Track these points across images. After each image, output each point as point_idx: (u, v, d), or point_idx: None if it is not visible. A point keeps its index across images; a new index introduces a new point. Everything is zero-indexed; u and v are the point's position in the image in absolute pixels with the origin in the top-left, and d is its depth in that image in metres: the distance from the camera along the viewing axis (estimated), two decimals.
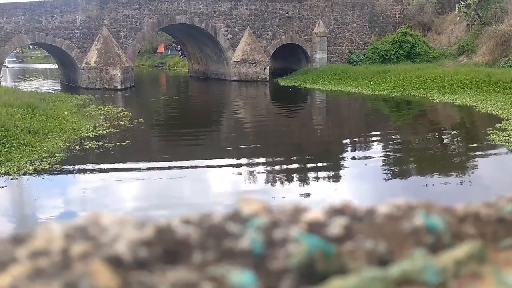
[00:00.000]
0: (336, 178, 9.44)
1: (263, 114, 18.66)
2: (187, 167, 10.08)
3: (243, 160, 10.81)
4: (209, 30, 27.97)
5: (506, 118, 14.20)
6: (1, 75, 23.99)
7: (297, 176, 9.44)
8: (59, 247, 0.50)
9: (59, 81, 31.63)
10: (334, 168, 10.14)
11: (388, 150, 11.92)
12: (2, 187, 8.43)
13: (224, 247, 0.52)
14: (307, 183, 8.92)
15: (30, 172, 9.14)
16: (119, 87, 24.68)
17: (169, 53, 52.26)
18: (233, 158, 10.97)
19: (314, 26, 30.00)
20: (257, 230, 0.55)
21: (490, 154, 10.90)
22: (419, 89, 21.53)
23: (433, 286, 0.48)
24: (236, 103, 22.65)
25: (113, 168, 9.87)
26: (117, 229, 0.53)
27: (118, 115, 16.14)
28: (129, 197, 8.23)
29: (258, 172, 9.76)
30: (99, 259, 0.48)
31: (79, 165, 9.95)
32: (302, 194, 8.24)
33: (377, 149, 11.96)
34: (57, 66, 33.89)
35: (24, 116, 12.91)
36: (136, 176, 9.30)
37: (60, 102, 17.83)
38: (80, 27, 25.12)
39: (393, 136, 13.60)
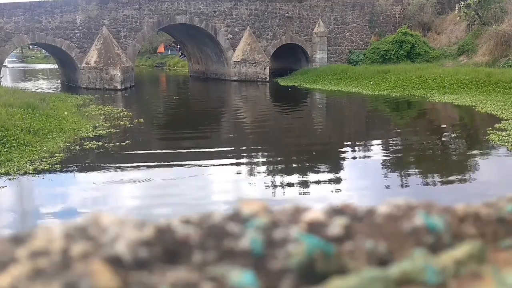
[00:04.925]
0: (336, 177, 9.44)
1: (263, 114, 18.66)
2: (187, 167, 10.08)
3: (243, 160, 10.81)
4: (209, 30, 27.98)
5: (505, 118, 14.20)
6: (1, 75, 23.99)
7: (297, 176, 9.44)
8: (59, 247, 0.50)
9: (59, 81, 31.63)
10: (334, 168, 10.14)
11: (388, 150, 11.93)
12: (2, 187, 8.43)
13: (224, 247, 0.52)
14: (307, 183, 8.92)
15: (30, 172, 9.14)
16: (119, 87, 24.68)
17: (169, 53, 52.30)
18: (233, 158, 10.97)
19: (314, 26, 30.00)
20: (257, 230, 0.55)
21: (490, 154, 10.90)
22: (419, 89, 21.54)
23: (433, 286, 0.48)
24: (236, 103, 22.65)
25: (113, 168, 9.87)
26: (117, 229, 0.53)
27: (118, 115, 16.14)
28: (129, 197, 8.23)
29: (258, 172, 9.77)
30: (99, 259, 0.48)
31: (79, 165, 9.95)
32: (302, 194, 8.24)
33: (377, 149, 11.96)
34: (57, 66, 33.90)
35: (24, 116, 12.91)
36: (136, 176, 9.30)
37: (60, 102, 17.83)
38: (80, 27, 25.12)
39: (393, 136, 13.61)
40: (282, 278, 0.49)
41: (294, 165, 10.29)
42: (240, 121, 17.13)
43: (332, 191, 8.47)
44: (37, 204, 8.01)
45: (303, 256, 0.51)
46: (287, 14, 29.42)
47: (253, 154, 11.49)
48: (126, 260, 0.48)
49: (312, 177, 9.31)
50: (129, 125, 14.49)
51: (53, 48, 26.18)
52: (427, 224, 0.57)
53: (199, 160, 10.69)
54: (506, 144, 11.14)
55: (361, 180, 9.28)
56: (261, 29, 29.13)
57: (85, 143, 11.61)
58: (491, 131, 12.32)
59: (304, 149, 12.03)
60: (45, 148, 10.83)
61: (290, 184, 8.89)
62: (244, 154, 11.37)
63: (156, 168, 9.91)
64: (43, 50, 49.44)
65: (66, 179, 9.19)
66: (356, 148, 12.34)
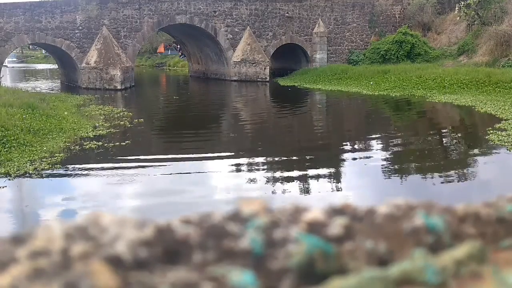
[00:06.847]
0: (336, 177, 9.44)
1: (263, 114, 18.66)
2: (187, 167, 10.08)
3: (243, 160, 10.81)
4: (209, 30, 27.97)
5: (505, 118, 14.20)
6: (1, 75, 23.98)
7: (297, 175, 9.44)
8: (59, 247, 0.50)
9: (59, 81, 31.63)
10: (334, 168, 10.14)
11: (388, 150, 11.93)
12: (2, 187, 8.43)
13: (224, 247, 0.52)
14: (308, 183, 8.92)
15: (30, 172, 9.14)
16: (119, 87, 24.68)
17: (169, 53, 52.26)
18: (233, 158, 10.97)
19: (314, 26, 30.00)
20: (257, 230, 0.55)
21: (490, 154, 10.90)
22: (419, 89, 21.53)
23: (433, 286, 0.48)
24: (236, 103, 22.65)
25: (113, 168, 9.87)
26: (117, 229, 0.53)
27: (118, 115, 16.14)
28: (129, 197, 8.23)
29: (258, 173, 9.76)
30: (99, 259, 0.48)
31: (79, 165, 9.95)
32: (302, 194, 8.24)
33: (377, 149, 11.96)
34: (57, 66, 33.89)
35: (24, 116, 12.91)
36: (136, 176, 9.29)
37: (60, 102, 17.83)
38: (80, 27, 25.12)
39: (393, 136, 13.60)
40: (282, 278, 0.49)
41: (294, 165, 10.29)
42: (240, 121, 17.12)
43: (332, 190, 8.47)
44: (37, 204, 8.01)
45: (303, 256, 0.51)
46: (287, 14, 29.41)
47: (252, 153, 11.48)
48: (126, 260, 0.48)
49: (312, 176, 9.31)
50: (129, 125, 14.49)
51: (53, 48, 26.17)
52: (427, 224, 0.57)
53: (199, 159, 10.69)
54: (506, 144, 11.13)
55: (361, 180, 9.28)
56: (261, 29, 29.12)
57: (85, 143, 11.61)
58: (491, 131, 12.32)
59: (304, 148, 12.02)
60: (45, 148, 10.83)
61: (290, 184, 8.89)
62: (244, 154, 11.37)
63: (156, 167, 9.91)
64: (43, 50, 49.41)
65: (66, 179, 9.19)
66: (356, 147, 12.33)
